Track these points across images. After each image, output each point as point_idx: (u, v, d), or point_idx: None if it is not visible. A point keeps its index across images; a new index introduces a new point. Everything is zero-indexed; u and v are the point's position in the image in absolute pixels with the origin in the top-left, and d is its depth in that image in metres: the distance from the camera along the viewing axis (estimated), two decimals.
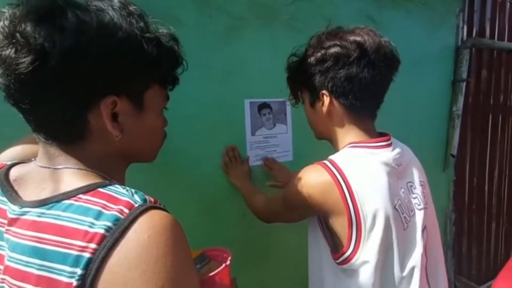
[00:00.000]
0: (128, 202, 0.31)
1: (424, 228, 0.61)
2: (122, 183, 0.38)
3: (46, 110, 0.33)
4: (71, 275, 0.28)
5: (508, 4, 1.85)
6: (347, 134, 0.62)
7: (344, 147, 0.62)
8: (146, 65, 0.37)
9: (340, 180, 0.54)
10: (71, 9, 0.32)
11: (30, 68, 0.29)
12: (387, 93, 0.66)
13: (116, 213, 0.30)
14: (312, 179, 0.57)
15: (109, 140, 0.36)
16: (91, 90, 0.34)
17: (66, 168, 0.35)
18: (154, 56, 0.36)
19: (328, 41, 0.59)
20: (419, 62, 1.44)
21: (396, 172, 0.59)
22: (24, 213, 0.33)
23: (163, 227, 0.30)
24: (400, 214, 0.57)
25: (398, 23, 1.34)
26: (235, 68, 1.01)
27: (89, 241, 0.28)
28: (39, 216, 0.32)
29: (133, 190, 0.34)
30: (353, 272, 0.56)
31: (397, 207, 0.57)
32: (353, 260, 0.56)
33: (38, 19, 0.30)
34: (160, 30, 0.38)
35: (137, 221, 0.30)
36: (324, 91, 0.61)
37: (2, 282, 0.32)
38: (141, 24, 0.35)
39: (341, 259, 0.57)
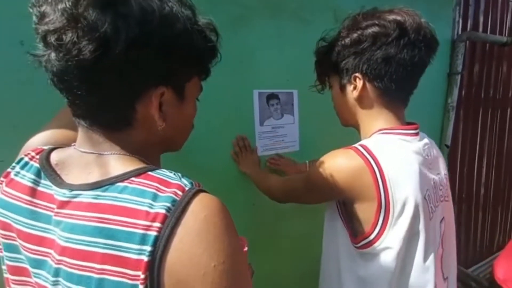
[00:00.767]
0: (180, 185, 0.32)
1: (442, 219, 0.63)
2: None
3: (99, 97, 0.33)
4: (140, 251, 0.29)
5: None
6: (378, 120, 0.60)
7: (374, 133, 0.60)
8: (195, 57, 0.37)
9: (373, 165, 0.53)
10: None
11: (94, 55, 0.29)
12: None
13: (172, 195, 0.31)
14: (342, 163, 0.55)
15: (152, 129, 0.37)
16: (147, 80, 0.34)
17: (112, 154, 0.35)
18: (201, 49, 0.37)
19: (366, 21, 0.57)
20: None
21: (427, 163, 0.59)
22: (75, 196, 0.33)
23: (216, 209, 0.32)
24: (428, 204, 0.57)
25: None
26: (244, 58, 1.01)
27: (153, 220, 0.29)
28: (95, 198, 0.32)
29: (179, 174, 0.35)
30: (373, 257, 0.57)
31: (426, 197, 0.56)
32: (375, 245, 0.55)
33: (102, 5, 0.29)
34: (203, 21, 0.38)
35: (192, 203, 0.31)
36: (357, 74, 0.58)
37: (59, 264, 0.32)
38: (191, 15, 0.35)
39: (362, 243, 0.57)
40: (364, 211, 0.56)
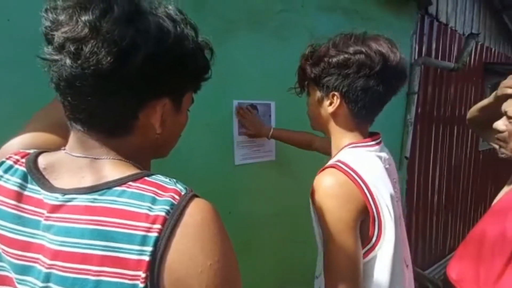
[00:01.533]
0: (176, 189, 0.34)
1: (400, 215, 0.69)
2: None
3: (106, 104, 0.34)
4: (141, 252, 0.30)
5: (449, 29, 2.18)
6: (347, 136, 0.65)
7: (345, 147, 0.65)
8: (195, 73, 0.41)
9: (358, 181, 0.56)
10: (152, 15, 0.34)
11: (111, 66, 0.31)
12: None
13: (170, 199, 0.33)
14: (340, 192, 0.56)
15: (148, 136, 0.39)
16: (154, 92, 0.37)
17: (107, 159, 0.36)
18: (202, 66, 0.41)
19: (355, 45, 0.59)
20: None
21: (388, 170, 0.66)
22: (70, 200, 0.33)
23: (210, 212, 0.34)
24: (396, 205, 0.63)
25: None
26: (225, 69, 1.05)
27: (153, 223, 0.31)
28: (92, 202, 0.33)
29: (174, 180, 0.37)
30: (371, 265, 0.58)
31: (395, 199, 0.61)
32: (372, 253, 0.58)
33: (125, 21, 0.31)
34: (201, 40, 0.41)
35: (189, 206, 0.33)
36: (336, 93, 0.61)
37: (50, 268, 0.32)
38: (194, 34, 0.39)
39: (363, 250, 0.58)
40: (363, 223, 0.58)
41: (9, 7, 0.72)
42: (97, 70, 0.31)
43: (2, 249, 0.35)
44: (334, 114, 0.65)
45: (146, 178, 0.35)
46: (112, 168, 0.36)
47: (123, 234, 0.31)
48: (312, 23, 1.26)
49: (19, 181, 0.36)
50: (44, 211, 0.34)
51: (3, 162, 0.38)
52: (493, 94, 0.83)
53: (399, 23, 1.73)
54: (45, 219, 0.33)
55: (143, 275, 0.30)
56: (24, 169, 0.37)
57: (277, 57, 1.17)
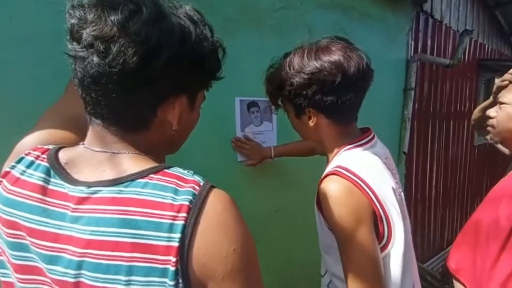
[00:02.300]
0: (195, 181, 0.36)
1: (404, 210, 0.70)
2: None
3: (128, 100, 0.35)
4: (169, 239, 0.32)
5: (444, 26, 2.22)
6: (338, 140, 0.66)
7: (340, 150, 0.65)
8: (211, 72, 0.42)
9: (361, 184, 0.57)
10: (174, 16, 0.36)
11: (138, 66, 0.32)
12: None
13: (191, 189, 0.34)
14: (348, 201, 0.56)
15: (164, 132, 0.41)
16: (174, 90, 0.38)
17: (126, 153, 0.38)
18: (216, 65, 0.42)
19: (309, 63, 0.59)
20: (378, 71, 1.64)
21: (386, 163, 0.67)
22: (95, 192, 0.35)
23: (229, 202, 0.36)
24: (399, 197, 0.64)
25: (363, 35, 1.53)
26: (227, 67, 1.06)
27: (178, 211, 0.33)
28: (118, 193, 0.34)
29: (191, 171, 0.38)
30: (385, 264, 0.60)
31: (398, 195, 0.63)
32: (385, 251, 0.60)
33: (152, 23, 0.33)
34: (215, 40, 0.42)
35: (209, 196, 0.35)
36: (311, 109, 0.63)
37: (82, 257, 0.33)
38: (210, 35, 0.40)
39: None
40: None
41: (11, 6, 0.72)
42: (123, 69, 0.32)
43: (31, 241, 0.36)
44: (316, 126, 0.65)
45: (166, 170, 0.37)
46: (132, 162, 0.37)
47: (150, 223, 0.32)
48: (311, 20, 1.28)
49: (42, 175, 0.37)
50: (70, 204, 0.35)
51: (22, 158, 0.39)
52: (493, 94, 0.85)
53: (395, 20, 1.75)
54: (72, 211, 0.35)
55: (174, 259, 0.31)
56: (47, 164, 0.38)
57: (277, 54, 1.18)
